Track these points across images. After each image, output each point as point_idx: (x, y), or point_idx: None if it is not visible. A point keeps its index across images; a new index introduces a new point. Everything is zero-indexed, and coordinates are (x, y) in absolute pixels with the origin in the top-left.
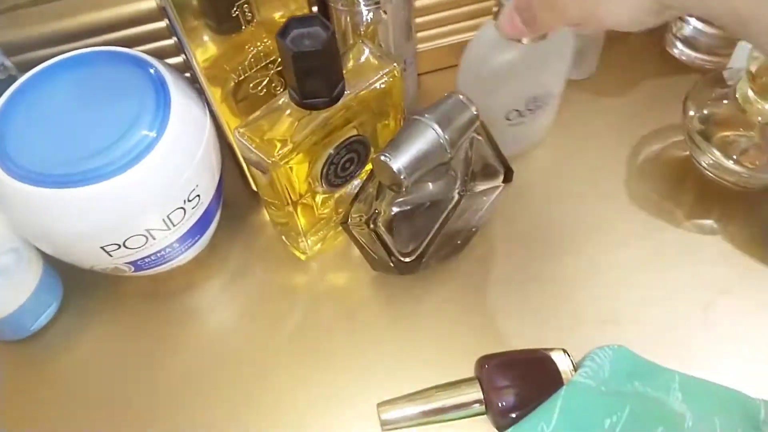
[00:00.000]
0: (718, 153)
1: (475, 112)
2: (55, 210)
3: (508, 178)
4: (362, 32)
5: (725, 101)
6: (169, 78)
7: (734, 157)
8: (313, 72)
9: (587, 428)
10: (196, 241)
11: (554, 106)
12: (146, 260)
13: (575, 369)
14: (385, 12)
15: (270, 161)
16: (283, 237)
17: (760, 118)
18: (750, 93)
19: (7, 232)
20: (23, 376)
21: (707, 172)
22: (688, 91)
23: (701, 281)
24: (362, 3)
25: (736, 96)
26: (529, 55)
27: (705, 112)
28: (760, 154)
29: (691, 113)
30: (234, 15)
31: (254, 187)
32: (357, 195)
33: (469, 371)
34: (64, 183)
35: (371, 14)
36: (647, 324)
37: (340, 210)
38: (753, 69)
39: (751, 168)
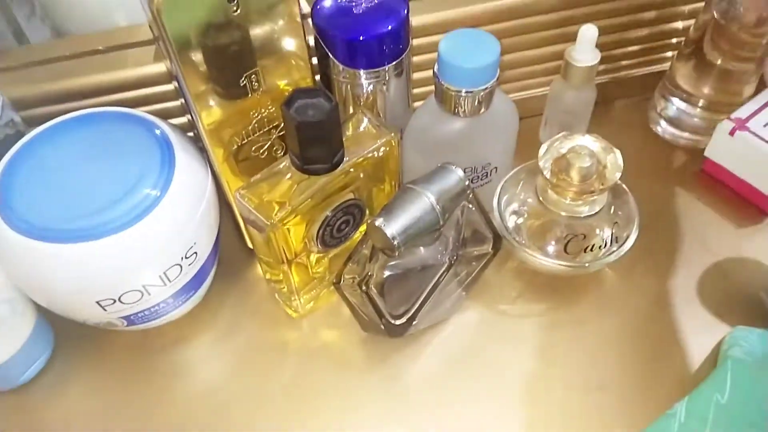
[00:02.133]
0: (533, 248)
1: (466, 183)
2: (56, 265)
3: (496, 245)
4: (362, 102)
5: (530, 199)
6: (174, 139)
7: (550, 248)
8: (315, 140)
9: (757, 397)
10: (191, 297)
11: (501, 179)
12: (140, 315)
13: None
14: (384, 84)
15: (268, 223)
16: (276, 295)
17: (563, 213)
18: (549, 192)
19: (3, 283)
20: (8, 427)
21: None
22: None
23: None
24: (363, 76)
25: (538, 197)
26: (471, 128)
27: (516, 206)
28: (577, 245)
29: (503, 209)
30: (242, 84)
31: (249, 245)
32: (351, 256)
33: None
34: (66, 238)
35: (371, 86)
36: None
37: (334, 269)
38: (547, 173)
39: (572, 257)
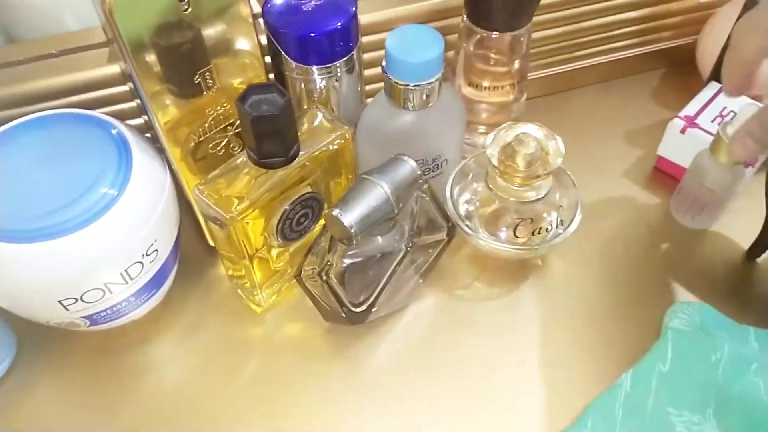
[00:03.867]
0: (486, 234)
1: (419, 173)
2: (16, 265)
3: (450, 233)
4: (316, 98)
5: (480, 188)
6: (131, 138)
7: (501, 233)
8: (270, 134)
9: (697, 363)
10: (152, 295)
11: (452, 170)
12: (102, 314)
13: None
14: (337, 80)
15: (228, 216)
16: (239, 290)
17: (512, 198)
18: (498, 179)
19: None
20: None
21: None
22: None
23: None
24: (316, 72)
25: (488, 184)
26: (421, 121)
27: (468, 195)
28: (526, 228)
29: (456, 198)
30: (196, 82)
31: (211, 243)
32: (310, 248)
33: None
34: (26, 238)
35: (324, 82)
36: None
37: (295, 263)
38: (495, 161)
39: (522, 241)
